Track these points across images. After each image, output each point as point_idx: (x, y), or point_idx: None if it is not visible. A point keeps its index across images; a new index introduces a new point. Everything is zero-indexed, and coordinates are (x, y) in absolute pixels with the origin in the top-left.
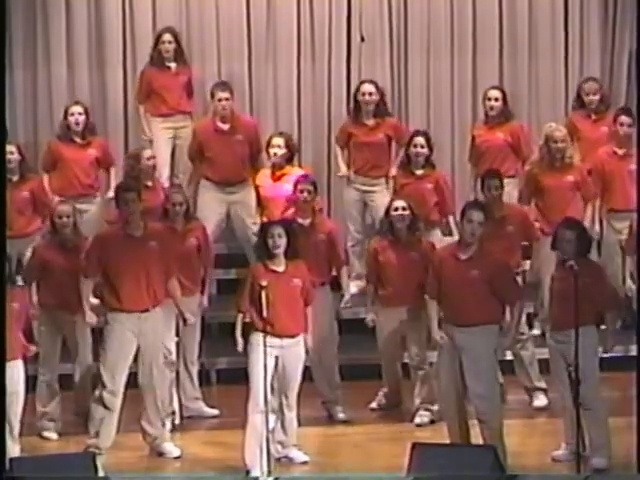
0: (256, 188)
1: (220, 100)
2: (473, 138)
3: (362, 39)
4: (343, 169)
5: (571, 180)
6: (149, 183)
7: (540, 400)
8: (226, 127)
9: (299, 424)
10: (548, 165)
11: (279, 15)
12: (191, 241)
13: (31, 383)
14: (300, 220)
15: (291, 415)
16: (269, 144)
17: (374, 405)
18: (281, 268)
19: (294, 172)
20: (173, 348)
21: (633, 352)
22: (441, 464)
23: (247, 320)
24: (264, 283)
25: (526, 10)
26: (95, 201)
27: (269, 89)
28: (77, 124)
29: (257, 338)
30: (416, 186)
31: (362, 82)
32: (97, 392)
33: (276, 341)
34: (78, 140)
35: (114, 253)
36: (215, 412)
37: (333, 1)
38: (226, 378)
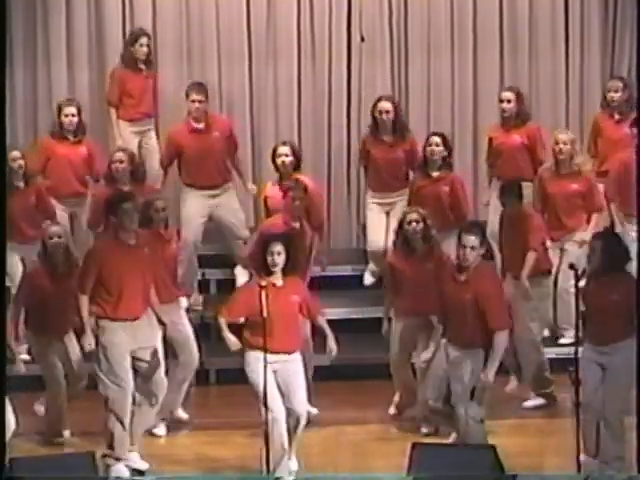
0: (265, 199)
1: (194, 102)
2: (490, 140)
3: (362, 39)
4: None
5: (575, 188)
6: (123, 187)
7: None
8: (201, 126)
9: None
10: (555, 171)
11: (279, 15)
12: (173, 246)
13: (30, 382)
14: (293, 223)
15: (301, 421)
16: (275, 154)
17: (392, 411)
18: (279, 282)
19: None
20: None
21: None
22: (441, 464)
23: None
24: (263, 295)
25: (526, 9)
26: (86, 201)
27: (269, 89)
28: (70, 123)
29: (252, 354)
30: (432, 189)
31: (379, 99)
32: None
33: (272, 357)
34: (70, 138)
35: (108, 262)
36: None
37: (333, 1)
38: (226, 378)
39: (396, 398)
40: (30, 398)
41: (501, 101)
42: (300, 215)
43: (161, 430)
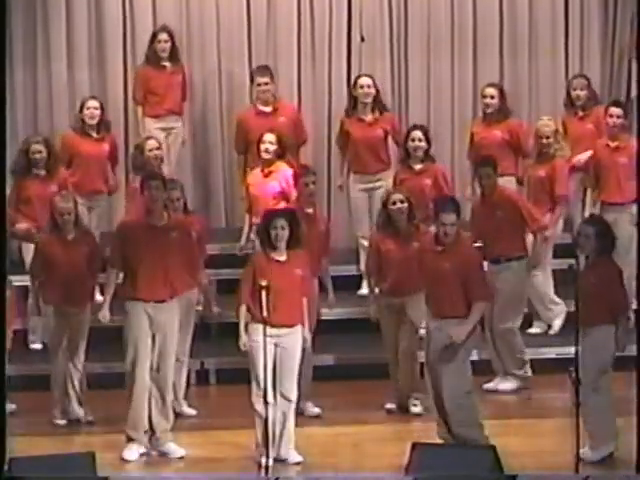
0: (247, 187)
1: (259, 85)
2: (472, 135)
3: (362, 39)
4: (339, 181)
5: (544, 174)
6: None
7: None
8: (267, 109)
9: (299, 424)
10: (537, 159)
11: (279, 15)
12: (192, 234)
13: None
14: (307, 210)
15: (289, 410)
16: (260, 141)
17: (390, 406)
18: (283, 258)
19: (281, 169)
20: (187, 349)
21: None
22: (441, 464)
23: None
24: (264, 282)
25: (526, 10)
26: (107, 198)
27: None
28: (92, 118)
29: (256, 328)
30: (415, 181)
31: (359, 76)
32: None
33: (274, 331)
34: (93, 134)
35: (135, 242)
36: (193, 412)
37: (333, 1)
38: (226, 378)
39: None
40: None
41: (484, 97)
42: (313, 201)
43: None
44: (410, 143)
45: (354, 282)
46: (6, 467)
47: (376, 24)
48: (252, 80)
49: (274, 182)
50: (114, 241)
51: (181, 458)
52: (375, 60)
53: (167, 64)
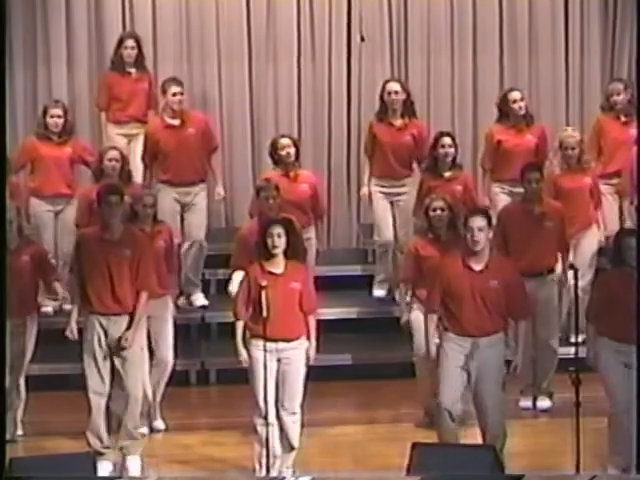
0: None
1: (175, 95)
2: (499, 142)
3: (362, 39)
4: (364, 189)
5: (587, 182)
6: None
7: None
8: (176, 122)
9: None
10: (565, 169)
11: (279, 15)
12: (159, 243)
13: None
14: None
15: (293, 424)
16: (276, 147)
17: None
18: (279, 270)
19: (305, 173)
20: (166, 352)
21: None
22: (441, 464)
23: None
24: (264, 284)
25: (526, 10)
26: (71, 201)
27: (269, 89)
28: (56, 126)
29: (255, 344)
30: (446, 188)
31: (387, 81)
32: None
33: (272, 345)
34: (54, 138)
35: (89, 255)
36: (162, 427)
37: (333, 1)
38: (226, 378)
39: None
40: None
41: (514, 101)
42: (275, 213)
43: (144, 430)
44: (440, 150)
45: (354, 282)
46: (7, 467)
47: (376, 24)
48: (164, 91)
49: (304, 185)
50: (73, 252)
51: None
52: (375, 60)
53: (132, 70)
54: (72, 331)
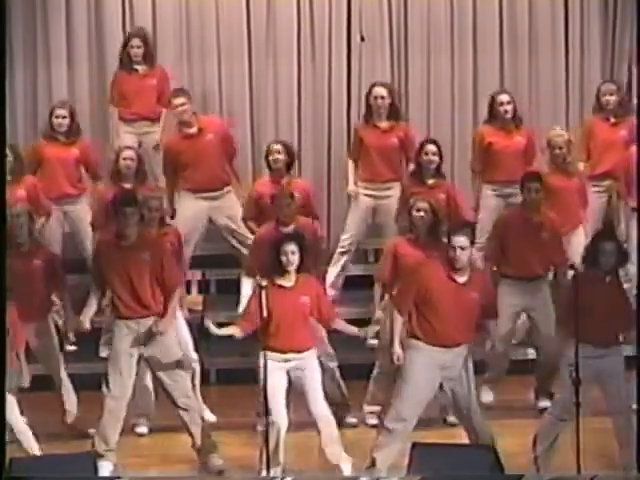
0: (257, 197)
1: (176, 107)
2: (489, 144)
3: (362, 39)
4: (351, 187)
5: (576, 183)
6: (127, 185)
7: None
8: (192, 130)
9: (300, 427)
10: (552, 169)
11: (279, 15)
12: (166, 246)
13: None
14: (282, 229)
15: (328, 428)
16: (268, 152)
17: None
18: (290, 284)
19: (299, 181)
20: (190, 351)
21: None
22: (441, 464)
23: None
24: (263, 283)
25: (526, 10)
26: (80, 201)
27: (269, 89)
28: (60, 126)
29: (266, 354)
30: (429, 196)
31: (373, 85)
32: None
33: (281, 357)
34: (61, 139)
35: (108, 262)
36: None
37: (333, 1)
38: (226, 378)
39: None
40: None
41: (501, 104)
42: (291, 219)
43: (143, 429)
44: (424, 157)
45: (353, 282)
46: (7, 467)
47: (376, 24)
48: (170, 104)
49: (296, 194)
50: (92, 262)
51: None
52: (375, 60)
53: (139, 68)
54: (85, 323)
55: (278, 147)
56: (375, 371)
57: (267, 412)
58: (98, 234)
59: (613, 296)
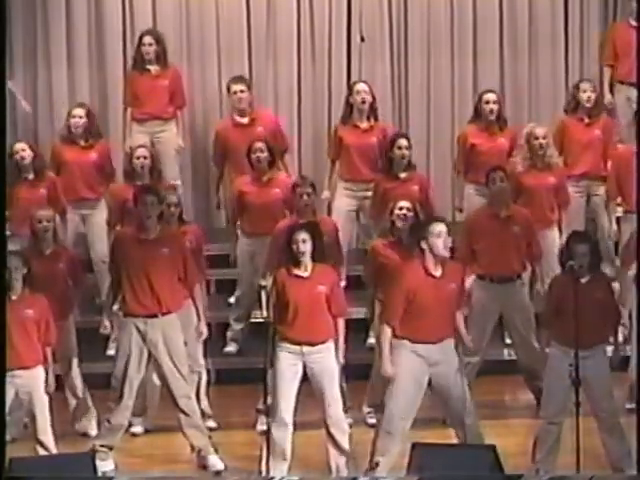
0: (240, 195)
1: (235, 92)
2: (472, 145)
3: (362, 39)
4: (326, 193)
5: (552, 182)
6: (139, 183)
7: None
8: (244, 120)
9: (301, 427)
10: (530, 165)
11: (279, 15)
12: (186, 243)
13: None
14: (302, 222)
15: (341, 436)
16: (250, 150)
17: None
18: (306, 273)
19: (280, 176)
20: (198, 356)
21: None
22: (441, 464)
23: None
24: (263, 283)
25: (526, 10)
26: (98, 205)
27: (269, 89)
28: (77, 127)
29: (281, 345)
30: (403, 189)
31: (355, 82)
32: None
33: (296, 348)
34: (80, 142)
35: (126, 255)
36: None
37: (333, 1)
38: (226, 378)
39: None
40: None
41: (487, 102)
42: (309, 212)
43: (138, 429)
44: (397, 151)
45: (353, 282)
46: (7, 467)
47: (376, 24)
48: (229, 90)
49: (276, 189)
50: (110, 253)
51: (218, 473)
52: (375, 60)
53: (152, 67)
54: (106, 327)
55: (260, 145)
56: (373, 371)
57: (268, 410)
58: (118, 228)
59: (592, 297)
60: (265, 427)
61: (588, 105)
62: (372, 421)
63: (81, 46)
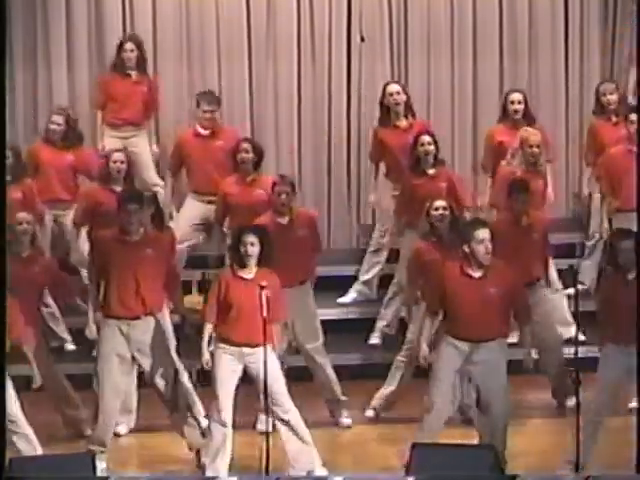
0: (224, 196)
1: (205, 112)
2: (500, 143)
3: (362, 39)
4: (372, 197)
5: (541, 185)
6: (117, 188)
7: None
8: (206, 132)
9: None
10: (524, 170)
11: (279, 15)
12: (169, 245)
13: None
14: (279, 220)
15: (291, 422)
16: (236, 151)
17: (370, 413)
18: (250, 275)
19: (264, 177)
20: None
21: None
22: (441, 464)
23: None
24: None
25: (526, 10)
26: (71, 207)
27: (269, 89)
28: (54, 133)
29: (220, 346)
30: (431, 186)
31: (387, 84)
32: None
33: (236, 349)
34: (58, 144)
35: (108, 257)
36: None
37: (333, 1)
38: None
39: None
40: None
41: (512, 102)
42: (287, 211)
43: (122, 429)
44: (420, 148)
45: (353, 282)
46: (7, 467)
47: (376, 24)
48: (198, 104)
49: (260, 190)
50: (89, 256)
51: None
52: (375, 60)
53: (132, 73)
54: (91, 332)
55: (246, 145)
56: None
57: (267, 410)
58: (98, 230)
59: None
60: (264, 427)
61: (611, 107)
62: (370, 414)
63: (81, 46)
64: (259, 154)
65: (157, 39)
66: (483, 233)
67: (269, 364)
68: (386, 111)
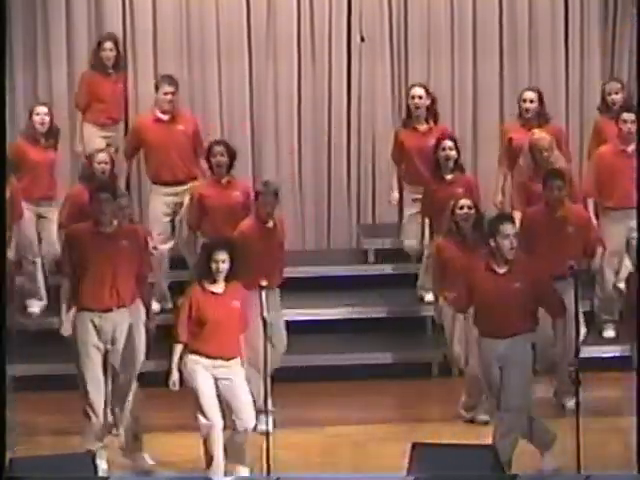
0: (200, 198)
1: (166, 94)
2: (510, 140)
3: (362, 39)
4: (395, 196)
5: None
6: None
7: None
8: (166, 117)
9: (300, 424)
10: (535, 173)
11: (279, 15)
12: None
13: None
14: (264, 224)
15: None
16: (210, 152)
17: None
18: (220, 290)
19: (238, 180)
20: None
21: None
22: (441, 464)
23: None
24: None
25: (526, 10)
26: (54, 204)
27: (269, 89)
28: (42, 125)
29: (191, 358)
30: (448, 191)
31: (412, 86)
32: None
33: (208, 362)
34: (42, 141)
35: (82, 249)
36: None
37: (333, 1)
38: None
39: (463, 398)
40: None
41: (524, 101)
42: (271, 215)
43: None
44: (441, 152)
45: (353, 282)
46: (7, 467)
47: (376, 24)
48: (157, 88)
49: (236, 192)
50: (62, 248)
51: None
52: (375, 60)
53: (112, 71)
54: (66, 330)
55: (220, 148)
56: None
57: (267, 411)
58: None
59: None
60: (264, 427)
61: (616, 106)
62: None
63: (81, 46)
64: (232, 156)
65: (157, 39)
66: (509, 228)
67: (240, 380)
68: (409, 113)
